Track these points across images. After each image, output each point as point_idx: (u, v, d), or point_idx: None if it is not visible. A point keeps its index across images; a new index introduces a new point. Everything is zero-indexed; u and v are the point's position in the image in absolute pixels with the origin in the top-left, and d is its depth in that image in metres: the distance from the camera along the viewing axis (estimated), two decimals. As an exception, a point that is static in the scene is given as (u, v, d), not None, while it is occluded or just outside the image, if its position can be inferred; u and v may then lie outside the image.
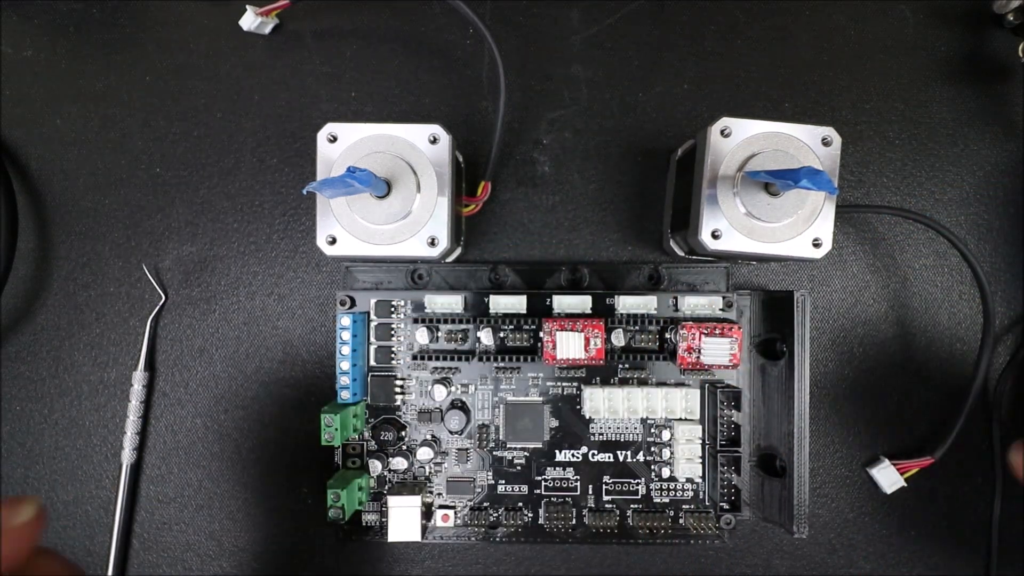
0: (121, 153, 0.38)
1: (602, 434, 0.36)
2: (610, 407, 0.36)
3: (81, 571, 0.22)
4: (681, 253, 0.35)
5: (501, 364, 0.36)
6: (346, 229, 0.29)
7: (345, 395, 0.35)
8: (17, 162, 0.38)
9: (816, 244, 0.29)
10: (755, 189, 0.29)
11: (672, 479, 0.36)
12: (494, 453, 0.36)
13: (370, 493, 0.36)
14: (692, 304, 0.36)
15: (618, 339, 0.36)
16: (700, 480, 0.36)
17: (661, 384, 0.36)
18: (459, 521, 0.36)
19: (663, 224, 0.37)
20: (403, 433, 0.36)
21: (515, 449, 0.36)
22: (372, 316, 0.36)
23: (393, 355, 0.36)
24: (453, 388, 0.36)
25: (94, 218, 0.38)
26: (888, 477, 0.37)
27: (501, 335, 0.36)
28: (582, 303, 0.36)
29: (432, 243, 0.30)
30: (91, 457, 0.38)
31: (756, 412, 0.36)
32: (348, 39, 0.38)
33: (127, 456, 0.37)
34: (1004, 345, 0.38)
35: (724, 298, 0.36)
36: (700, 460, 0.36)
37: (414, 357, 0.36)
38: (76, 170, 0.38)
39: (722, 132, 0.29)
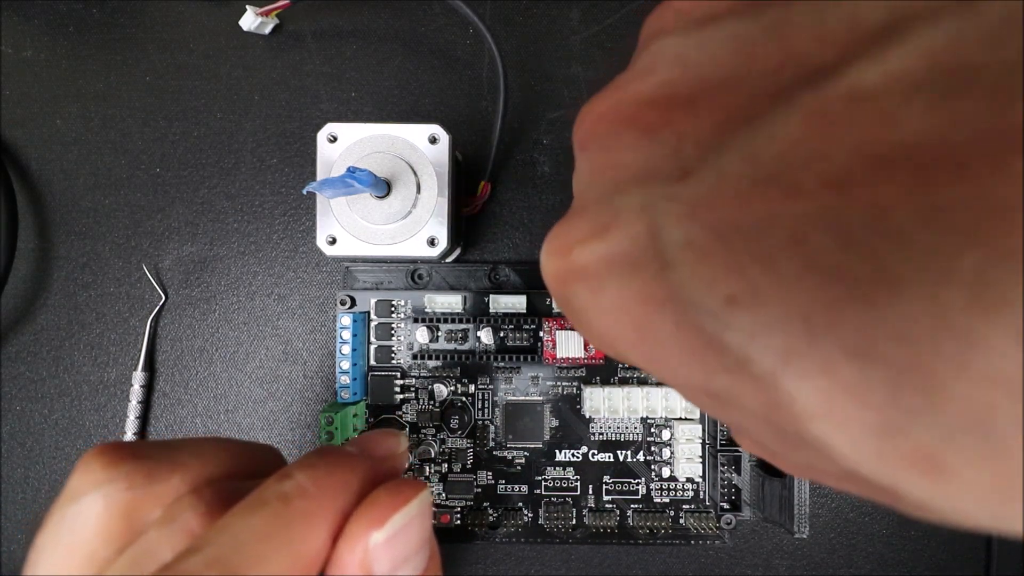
0: (121, 153, 0.38)
1: (602, 434, 0.36)
2: (610, 406, 0.36)
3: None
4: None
5: (501, 364, 0.36)
6: (346, 229, 0.29)
7: (345, 395, 0.35)
8: (17, 162, 0.38)
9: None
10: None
11: (672, 479, 0.36)
12: (494, 453, 0.36)
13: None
14: (692, 304, 0.36)
15: (618, 339, 0.35)
16: (700, 480, 0.36)
17: (661, 383, 0.36)
18: (459, 521, 0.36)
19: (663, 224, 0.37)
20: (403, 432, 0.36)
21: (515, 449, 0.36)
22: (372, 316, 0.36)
23: (393, 355, 0.36)
24: (453, 388, 0.36)
25: (94, 218, 0.38)
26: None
27: (501, 335, 0.36)
28: (582, 303, 0.36)
29: (432, 243, 0.30)
30: (91, 457, 0.38)
31: (756, 412, 0.36)
32: (348, 39, 0.38)
33: (127, 456, 0.37)
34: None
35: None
36: (700, 460, 0.36)
37: (414, 357, 0.36)
38: (76, 170, 0.38)
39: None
